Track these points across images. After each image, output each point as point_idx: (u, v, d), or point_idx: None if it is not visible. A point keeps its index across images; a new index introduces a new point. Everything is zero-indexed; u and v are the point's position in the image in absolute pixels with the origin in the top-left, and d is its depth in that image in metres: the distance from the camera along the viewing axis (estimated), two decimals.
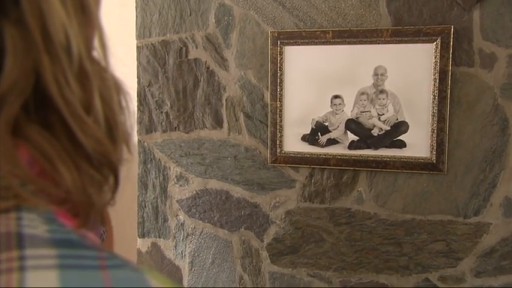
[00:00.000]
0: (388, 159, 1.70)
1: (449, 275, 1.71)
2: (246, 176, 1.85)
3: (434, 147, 1.65)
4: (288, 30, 1.75)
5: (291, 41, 1.74)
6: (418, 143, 1.67)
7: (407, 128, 1.68)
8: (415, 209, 1.72)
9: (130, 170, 2.07)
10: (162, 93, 1.90)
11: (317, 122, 1.75)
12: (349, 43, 1.69)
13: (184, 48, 1.86)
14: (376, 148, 1.71)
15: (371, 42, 1.67)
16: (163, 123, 1.91)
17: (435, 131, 1.64)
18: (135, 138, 1.97)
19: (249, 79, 1.81)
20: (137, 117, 1.94)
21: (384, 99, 1.68)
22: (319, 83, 1.73)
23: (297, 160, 1.78)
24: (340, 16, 1.71)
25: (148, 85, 1.91)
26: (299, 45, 1.73)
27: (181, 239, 1.96)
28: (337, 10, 1.71)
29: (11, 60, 0.32)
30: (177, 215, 1.95)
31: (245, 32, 1.80)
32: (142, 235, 2.00)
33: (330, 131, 1.75)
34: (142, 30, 1.90)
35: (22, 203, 0.33)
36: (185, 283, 1.97)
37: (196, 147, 1.89)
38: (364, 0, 1.68)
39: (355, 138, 1.73)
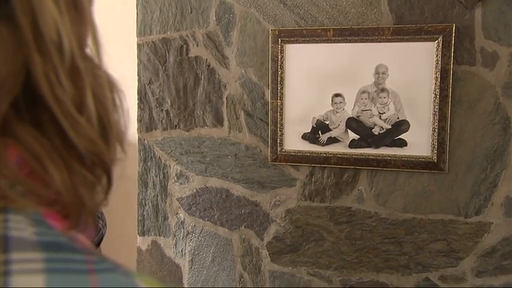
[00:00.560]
0: (388, 158, 1.69)
1: (449, 274, 1.71)
2: (247, 174, 1.85)
3: (435, 146, 1.64)
4: (289, 28, 1.74)
5: (292, 39, 1.73)
6: (419, 142, 1.67)
7: (408, 127, 1.67)
8: (415, 208, 1.71)
9: (130, 168, 2.07)
10: (163, 91, 1.89)
11: (318, 120, 1.74)
12: (350, 41, 1.69)
13: (184, 46, 1.86)
14: (377, 147, 1.70)
15: (372, 41, 1.66)
16: (163, 121, 1.91)
17: (436, 130, 1.63)
18: (135, 136, 1.97)
19: (250, 77, 1.80)
20: (137, 115, 1.94)
21: (384, 97, 1.67)
22: (320, 81, 1.72)
23: (298, 159, 1.77)
24: (342, 14, 1.70)
25: (149, 83, 1.91)
26: (300, 43, 1.73)
27: (181, 237, 1.95)
28: (338, 8, 1.70)
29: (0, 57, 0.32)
30: (177, 213, 1.95)
31: (246, 30, 1.79)
32: (143, 233, 2.00)
33: (331, 130, 1.74)
34: (142, 28, 1.89)
35: (9, 204, 0.32)
36: (185, 281, 1.97)
37: (197, 145, 1.89)
38: None
39: (356, 136, 1.72)
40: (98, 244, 1.19)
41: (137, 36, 1.90)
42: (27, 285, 0.28)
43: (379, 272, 1.77)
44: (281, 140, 1.78)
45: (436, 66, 1.61)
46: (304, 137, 1.76)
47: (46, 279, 0.29)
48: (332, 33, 1.70)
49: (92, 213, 0.39)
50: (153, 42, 1.89)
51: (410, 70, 1.65)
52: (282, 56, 1.74)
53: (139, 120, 1.94)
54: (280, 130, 1.77)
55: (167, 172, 1.93)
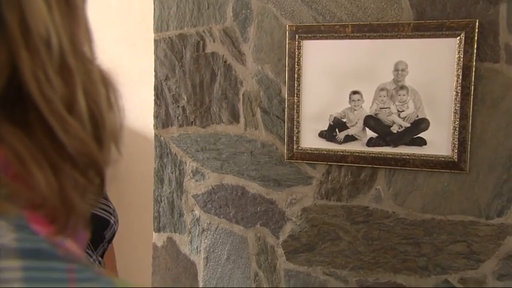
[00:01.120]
0: (407, 157, 1.65)
1: (469, 277, 1.66)
2: (262, 172, 1.83)
3: (456, 146, 1.60)
4: (307, 24, 1.71)
5: (309, 35, 1.70)
6: (439, 141, 1.62)
7: (428, 125, 1.63)
8: (434, 209, 1.67)
9: (147, 164, 2.06)
10: (179, 87, 1.88)
11: (335, 118, 1.71)
12: (369, 37, 1.65)
13: (201, 42, 1.84)
14: (396, 145, 1.67)
15: (392, 37, 1.62)
16: (179, 117, 1.90)
17: (457, 129, 1.59)
18: (151, 132, 1.96)
19: (266, 74, 1.78)
20: (154, 112, 1.93)
21: (404, 95, 1.63)
22: (338, 78, 1.69)
23: (314, 156, 1.75)
24: (361, 10, 1.67)
25: (165, 79, 1.90)
26: (317, 39, 1.70)
27: (196, 234, 1.94)
28: (357, 3, 1.67)
29: None
30: (192, 210, 1.94)
31: (263, 26, 1.77)
32: (158, 229, 2.00)
33: (348, 128, 1.71)
34: (159, 24, 1.89)
35: None
36: (200, 279, 1.96)
37: (213, 142, 1.87)
38: None
39: (374, 135, 1.69)
40: (110, 240, 1.19)
41: (154, 32, 1.90)
42: None
43: (396, 273, 1.73)
44: (297, 137, 1.75)
45: (458, 63, 1.56)
46: (321, 134, 1.74)
47: None
48: (351, 29, 1.66)
49: (82, 217, 0.37)
50: (169, 38, 1.88)
51: (430, 67, 1.60)
52: (299, 53, 1.71)
53: (156, 117, 1.93)
54: (296, 127, 1.75)
55: (183, 169, 1.93)
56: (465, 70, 1.56)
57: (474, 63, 1.55)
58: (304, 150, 1.75)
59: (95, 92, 0.36)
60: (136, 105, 2.40)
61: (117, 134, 0.39)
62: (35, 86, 0.32)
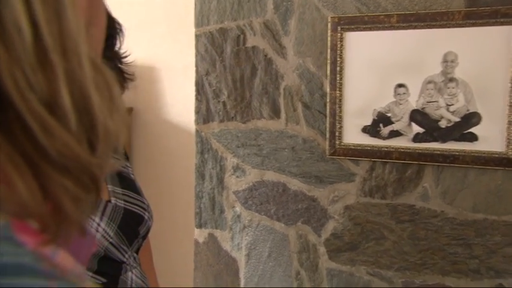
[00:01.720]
0: (457, 153, 1.56)
1: None
2: (304, 168, 1.78)
3: (511, 141, 1.49)
4: (349, 15, 1.65)
5: (352, 27, 1.64)
6: (491, 136, 1.52)
7: (480, 120, 1.53)
8: (487, 208, 1.57)
9: (188, 159, 2.06)
10: (220, 82, 1.87)
11: (379, 112, 1.64)
12: (415, 27, 1.57)
13: (241, 36, 1.82)
14: (444, 141, 1.58)
15: (440, 26, 1.53)
16: (220, 112, 1.88)
17: None
18: (192, 127, 1.96)
19: (308, 67, 1.73)
20: (195, 107, 1.93)
21: (453, 88, 1.54)
22: (382, 71, 1.62)
23: (357, 153, 1.68)
24: None
25: (206, 74, 1.89)
26: (361, 30, 1.63)
27: (237, 230, 1.92)
28: None
29: None
30: (233, 207, 1.92)
31: (304, 18, 1.72)
32: (200, 225, 1.99)
33: (393, 123, 1.63)
34: (200, 18, 1.87)
35: None
36: (241, 276, 1.94)
37: (253, 137, 1.84)
38: None
39: (421, 130, 1.60)
40: (144, 236, 1.18)
41: (195, 27, 1.88)
42: None
43: (445, 275, 1.65)
44: (340, 133, 1.69)
45: None
46: (365, 130, 1.67)
47: None
48: (396, 19, 1.59)
49: (76, 225, 0.34)
50: (210, 32, 1.86)
51: (483, 58, 1.50)
52: (342, 45, 1.65)
53: (197, 112, 1.92)
54: (339, 122, 1.69)
55: (224, 165, 1.91)
56: None
57: None
58: (346, 146, 1.69)
59: (85, 93, 0.32)
60: (180, 101, 2.41)
61: (114, 136, 0.35)
62: (10, 83, 0.29)
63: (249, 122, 1.84)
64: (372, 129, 1.66)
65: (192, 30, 1.89)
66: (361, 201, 1.72)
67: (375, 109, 1.64)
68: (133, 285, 1.08)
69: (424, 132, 1.60)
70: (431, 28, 1.54)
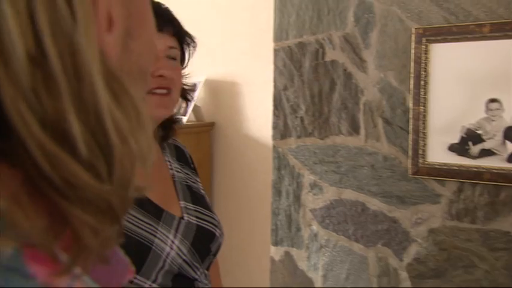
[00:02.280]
0: None
1: None
2: (384, 187, 1.69)
3: None
4: (436, 25, 1.54)
5: (439, 38, 1.53)
6: None
7: None
8: None
9: (267, 174, 2.04)
10: (297, 97, 1.83)
11: (468, 129, 1.52)
12: (511, 37, 1.44)
13: (320, 50, 1.77)
14: None
15: None
16: (298, 128, 1.84)
17: None
18: (269, 143, 1.93)
19: (390, 81, 1.65)
20: (272, 122, 1.90)
21: None
22: (472, 84, 1.49)
23: (443, 172, 1.57)
24: (502, 6, 1.46)
25: (284, 89, 1.86)
26: (448, 42, 1.52)
27: (314, 250, 1.86)
28: None
29: None
30: (310, 225, 1.86)
31: (386, 30, 1.64)
32: (276, 243, 1.95)
33: (484, 141, 1.50)
34: (279, 33, 1.85)
35: None
36: None
37: (331, 154, 1.78)
38: None
39: None
40: (215, 253, 1.17)
41: (274, 42, 1.87)
42: None
43: None
44: (424, 150, 1.58)
45: None
46: (451, 148, 1.55)
47: None
48: (489, 28, 1.46)
49: (98, 255, 0.31)
50: (289, 47, 1.84)
51: None
52: (426, 58, 1.55)
53: (274, 127, 1.90)
54: (422, 140, 1.58)
55: (301, 181, 1.86)
56: None
57: None
58: (431, 165, 1.58)
59: (100, 115, 0.29)
60: (261, 116, 2.40)
61: (136, 161, 0.31)
62: (8, 101, 0.27)
63: (327, 138, 1.78)
64: (459, 148, 1.54)
65: (271, 45, 1.88)
66: (448, 225, 1.60)
67: (463, 126, 1.52)
68: None
69: None
70: None
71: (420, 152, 1.59)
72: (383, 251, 1.72)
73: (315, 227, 1.85)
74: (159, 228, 1.00)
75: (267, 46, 2.00)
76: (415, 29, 1.57)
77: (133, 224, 0.96)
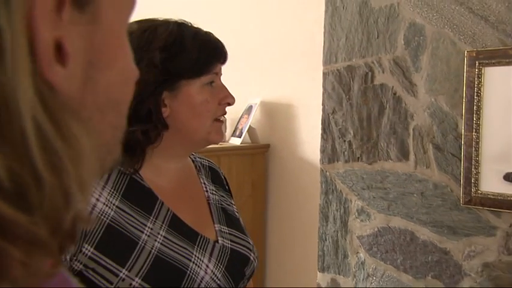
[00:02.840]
0: None
1: None
2: (435, 216, 1.61)
3: None
4: (490, 48, 1.47)
5: (493, 61, 1.46)
6: None
7: None
8: None
9: (313, 198, 2.01)
10: (346, 121, 1.80)
11: None
12: None
13: (370, 73, 1.74)
14: None
15: None
16: (345, 152, 1.81)
17: None
18: (317, 166, 1.91)
19: (441, 106, 1.58)
20: (320, 146, 1.88)
21: None
22: None
23: (498, 203, 1.47)
24: None
25: (332, 112, 1.84)
26: (503, 65, 1.44)
27: (361, 278, 1.80)
28: None
29: None
30: (357, 252, 1.81)
31: (437, 53, 1.58)
32: (322, 269, 1.91)
33: None
34: (328, 56, 1.84)
35: None
36: None
37: (380, 180, 1.73)
38: None
39: None
40: (249, 277, 1.16)
41: (323, 65, 1.86)
42: None
43: None
44: (476, 179, 1.50)
45: None
46: (507, 177, 1.46)
47: None
48: None
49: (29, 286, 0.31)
50: (338, 70, 1.82)
51: None
52: (480, 81, 1.48)
53: (322, 151, 1.87)
54: (475, 168, 1.50)
55: (348, 207, 1.82)
56: None
57: None
58: (484, 194, 1.49)
59: (28, 148, 0.28)
60: (314, 139, 2.38)
61: (66, 197, 0.31)
62: None
63: (375, 163, 1.74)
64: None
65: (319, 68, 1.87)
66: (504, 260, 1.49)
67: None
68: None
69: None
70: None
71: (473, 180, 1.50)
72: (433, 283, 1.63)
73: (362, 254, 1.79)
74: (194, 252, 1.00)
75: (321, 68, 1.99)
76: (468, 51, 1.51)
77: (168, 248, 0.98)
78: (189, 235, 1.02)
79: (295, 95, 2.46)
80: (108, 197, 0.96)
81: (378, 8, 1.71)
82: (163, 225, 1.00)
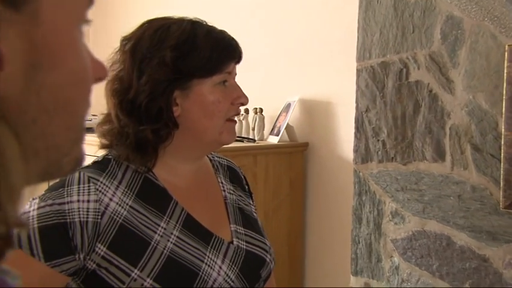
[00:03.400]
0: None
1: None
2: (473, 221, 1.52)
3: None
4: None
5: None
6: None
7: None
8: None
9: (351, 199, 1.95)
10: (379, 120, 1.73)
11: None
12: None
13: (404, 70, 1.66)
14: None
15: None
16: (379, 152, 1.74)
17: None
18: (351, 166, 1.85)
19: (479, 104, 1.49)
20: (353, 145, 1.82)
21: None
22: None
23: None
24: None
25: (366, 110, 1.77)
26: None
27: (395, 283, 1.73)
28: None
29: None
30: (391, 256, 1.74)
31: (476, 48, 1.49)
32: (355, 273, 1.85)
33: None
34: (362, 52, 1.78)
35: None
36: None
37: (414, 181, 1.65)
38: None
39: None
40: (266, 279, 1.13)
41: (356, 61, 1.79)
42: None
43: None
44: None
45: None
46: None
47: None
48: None
49: None
50: (371, 66, 1.75)
51: None
52: None
53: (355, 151, 1.81)
54: None
55: (382, 209, 1.75)
56: None
57: None
58: None
59: None
60: (353, 137, 2.31)
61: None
62: None
63: (409, 163, 1.66)
64: None
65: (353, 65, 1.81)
66: None
67: None
68: None
69: None
70: None
71: None
72: None
73: (397, 258, 1.72)
74: (207, 253, 0.99)
75: (347, 65, 1.93)
76: (509, 45, 1.41)
77: (181, 248, 0.97)
78: (203, 235, 1.01)
79: (333, 92, 2.39)
80: (122, 197, 0.96)
81: (413, 1, 1.63)
82: (177, 225, 0.99)
